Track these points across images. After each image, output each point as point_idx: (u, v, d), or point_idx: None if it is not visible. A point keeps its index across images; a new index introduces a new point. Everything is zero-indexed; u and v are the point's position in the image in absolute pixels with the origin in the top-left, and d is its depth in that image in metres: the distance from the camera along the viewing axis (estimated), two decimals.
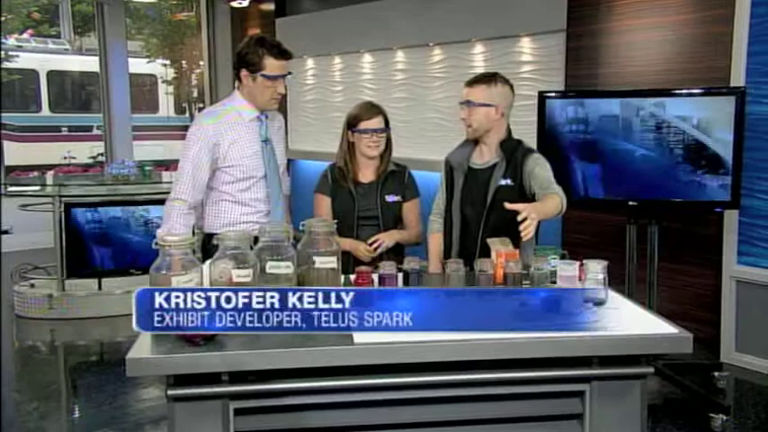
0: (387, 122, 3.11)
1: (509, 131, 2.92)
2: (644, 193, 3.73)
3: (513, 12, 5.20)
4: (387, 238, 3.04)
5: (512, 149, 2.87)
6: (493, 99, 2.84)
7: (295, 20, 7.39)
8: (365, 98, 6.34)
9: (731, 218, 4.07)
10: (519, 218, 2.40)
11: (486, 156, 2.91)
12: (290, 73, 2.87)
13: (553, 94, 4.07)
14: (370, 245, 3.02)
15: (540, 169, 2.80)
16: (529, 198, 2.76)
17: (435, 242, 3.03)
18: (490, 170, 2.87)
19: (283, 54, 2.80)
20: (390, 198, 3.11)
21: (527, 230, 2.38)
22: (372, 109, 3.11)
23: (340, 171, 3.13)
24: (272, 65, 2.78)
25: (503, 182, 2.82)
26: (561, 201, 2.67)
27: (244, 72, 2.81)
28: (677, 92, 3.75)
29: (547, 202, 2.66)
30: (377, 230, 3.07)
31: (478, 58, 5.55)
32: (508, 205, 2.49)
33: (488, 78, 2.89)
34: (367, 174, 3.13)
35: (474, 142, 2.96)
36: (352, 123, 3.10)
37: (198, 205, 2.85)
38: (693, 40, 4.23)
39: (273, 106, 2.90)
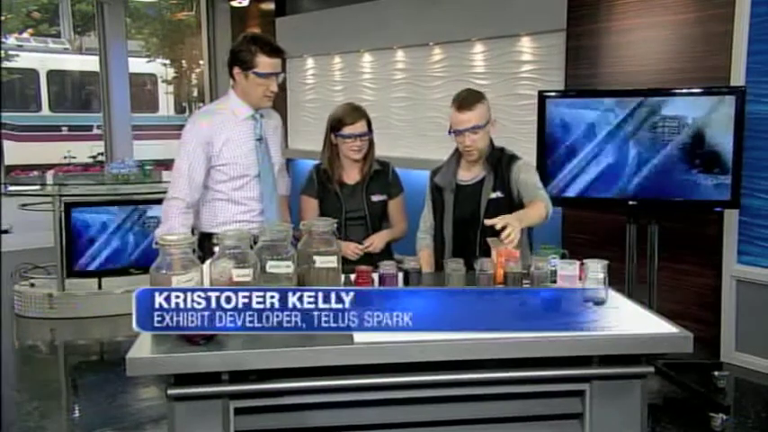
0: (369, 126, 3.10)
1: (491, 142, 2.90)
2: (644, 193, 3.72)
3: (512, 11, 5.20)
4: (378, 241, 3.07)
5: (496, 160, 2.85)
6: (489, 115, 2.82)
7: (295, 19, 7.39)
8: (365, 97, 6.37)
9: (731, 217, 4.07)
10: (497, 227, 2.42)
11: (473, 171, 2.89)
12: (282, 71, 2.84)
13: (553, 94, 4.07)
14: (367, 248, 3.04)
15: (524, 175, 2.79)
16: (517, 206, 2.75)
17: (426, 258, 2.97)
18: (479, 185, 2.85)
19: (275, 52, 2.79)
20: (376, 198, 3.12)
21: (509, 238, 2.39)
22: (354, 113, 3.09)
23: (325, 173, 3.14)
24: (264, 62, 2.76)
25: (493, 195, 2.80)
26: (546, 206, 2.68)
27: (236, 70, 2.79)
28: (677, 91, 3.75)
29: (530, 209, 2.66)
30: (364, 230, 3.10)
31: (478, 58, 5.55)
32: (487, 221, 2.51)
33: (478, 96, 2.82)
34: (352, 174, 3.14)
35: (458, 158, 2.93)
36: (335, 127, 3.09)
37: (195, 204, 2.84)
38: (693, 40, 4.22)
39: (267, 104, 2.88)
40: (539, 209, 2.66)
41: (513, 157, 2.87)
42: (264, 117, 2.91)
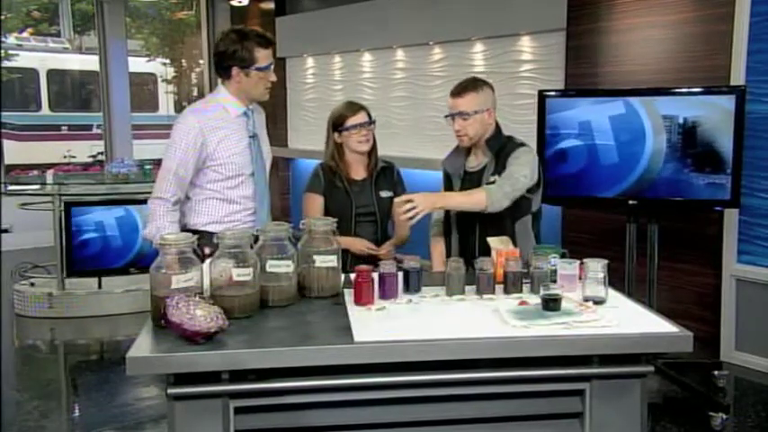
0: (370, 117, 3.14)
1: (498, 129, 2.90)
2: (644, 192, 3.72)
3: (513, 10, 5.20)
4: (386, 251, 3.07)
5: (500, 147, 2.85)
6: (484, 104, 2.83)
7: (295, 18, 7.39)
8: (365, 97, 6.37)
9: (731, 217, 4.07)
10: (399, 202, 2.56)
11: (480, 157, 2.91)
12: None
13: (553, 93, 4.07)
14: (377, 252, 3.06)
15: (510, 164, 2.77)
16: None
17: (438, 248, 3.03)
18: (482, 171, 2.86)
19: (270, 41, 2.77)
20: (384, 194, 3.15)
21: (406, 215, 2.53)
22: (354, 106, 3.15)
23: (331, 170, 3.15)
24: (263, 55, 2.73)
25: (492, 179, 2.80)
26: (488, 197, 2.66)
27: (235, 70, 2.73)
28: (677, 90, 3.75)
29: (462, 194, 2.76)
30: (374, 226, 3.13)
31: (478, 57, 5.55)
32: (396, 199, 2.63)
33: (474, 84, 2.85)
34: (359, 171, 3.16)
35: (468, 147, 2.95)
36: (337, 123, 3.11)
37: (181, 202, 2.78)
38: (693, 39, 4.22)
39: (266, 96, 2.84)
40: (472, 196, 2.70)
41: (517, 145, 2.85)
42: (255, 112, 2.87)
